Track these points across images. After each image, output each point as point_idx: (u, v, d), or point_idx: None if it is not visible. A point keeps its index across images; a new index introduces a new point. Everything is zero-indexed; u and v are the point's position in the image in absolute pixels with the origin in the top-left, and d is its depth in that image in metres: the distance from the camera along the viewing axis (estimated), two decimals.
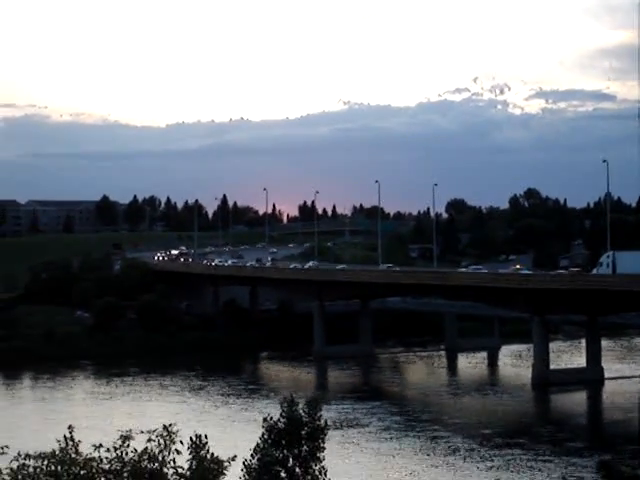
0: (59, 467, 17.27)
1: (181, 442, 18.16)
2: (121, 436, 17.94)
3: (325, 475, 24.54)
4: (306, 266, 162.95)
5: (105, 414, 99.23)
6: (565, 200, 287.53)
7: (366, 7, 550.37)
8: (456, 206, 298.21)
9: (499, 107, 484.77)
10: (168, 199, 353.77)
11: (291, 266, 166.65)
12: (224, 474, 18.69)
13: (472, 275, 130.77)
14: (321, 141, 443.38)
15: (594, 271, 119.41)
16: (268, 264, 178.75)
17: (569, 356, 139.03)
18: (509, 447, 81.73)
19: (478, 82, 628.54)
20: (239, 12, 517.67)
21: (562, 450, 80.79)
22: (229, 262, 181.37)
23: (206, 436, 19.09)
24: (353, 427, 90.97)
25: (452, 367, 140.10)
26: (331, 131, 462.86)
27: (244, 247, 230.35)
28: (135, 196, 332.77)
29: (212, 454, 18.78)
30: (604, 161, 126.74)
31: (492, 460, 77.01)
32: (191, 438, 18.90)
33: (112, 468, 17.69)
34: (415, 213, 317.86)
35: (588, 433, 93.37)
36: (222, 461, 18.63)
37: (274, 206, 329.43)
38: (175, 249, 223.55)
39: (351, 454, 79.94)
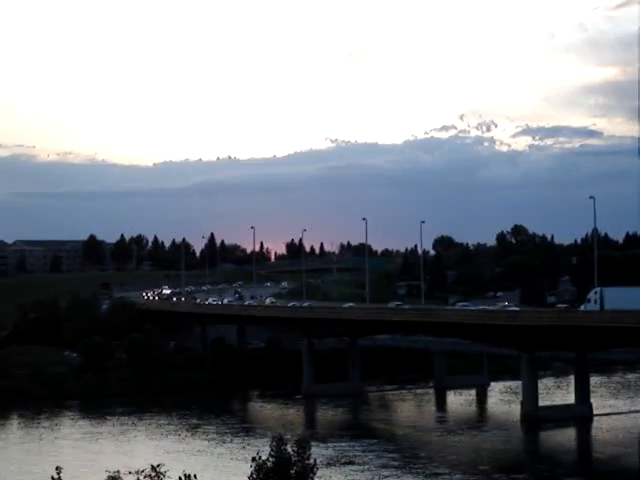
0: None
1: None
2: (109, 477, 17.83)
3: None
4: (304, 304, 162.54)
5: (93, 454, 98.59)
6: (552, 236, 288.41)
7: (353, 46, 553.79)
8: (443, 243, 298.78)
9: (486, 144, 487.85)
10: (155, 238, 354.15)
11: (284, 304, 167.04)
12: None
13: (459, 312, 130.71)
14: (308, 179, 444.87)
15: (582, 307, 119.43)
16: (250, 302, 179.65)
17: (558, 393, 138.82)
18: None
19: (465, 119, 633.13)
20: (226, 52, 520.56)
21: None
22: (225, 301, 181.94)
23: (195, 476, 18.97)
24: (350, 465, 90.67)
25: (441, 405, 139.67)
26: (318, 169, 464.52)
27: (221, 286, 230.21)
28: (122, 235, 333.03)
29: None
30: (591, 197, 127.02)
31: None
32: (180, 478, 18.77)
33: None
34: (402, 250, 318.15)
35: (579, 469, 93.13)
36: None
37: (262, 244, 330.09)
38: (166, 288, 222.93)
39: None
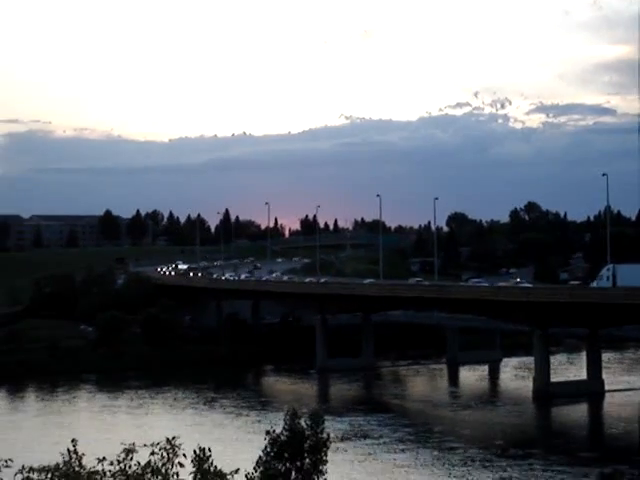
0: None
1: (184, 455, 18.26)
2: (124, 449, 17.99)
3: None
4: (319, 280, 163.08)
5: (108, 427, 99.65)
6: (565, 213, 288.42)
7: (368, 23, 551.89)
8: (457, 220, 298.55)
9: (500, 121, 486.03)
10: (170, 213, 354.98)
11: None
12: None
13: (473, 289, 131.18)
14: (323, 155, 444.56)
15: (594, 284, 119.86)
16: (269, 277, 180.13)
17: (570, 369, 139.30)
18: (522, 458, 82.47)
19: (479, 97, 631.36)
20: (242, 28, 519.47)
21: (569, 460, 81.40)
22: (243, 276, 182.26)
23: (209, 449, 19.35)
24: (364, 439, 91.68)
25: (454, 380, 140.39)
26: (333, 145, 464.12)
27: (235, 261, 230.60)
28: (138, 211, 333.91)
29: (215, 467, 18.95)
30: (604, 174, 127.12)
31: (507, 470, 77.91)
32: (195, 451, 19.13)
33: None
34: (416, 227, 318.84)
35: (590, 445, 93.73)
36: (225, 474, 18.76)
37: (276, 220, 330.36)
38: (181, 263, 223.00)
39: (369, 465, 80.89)
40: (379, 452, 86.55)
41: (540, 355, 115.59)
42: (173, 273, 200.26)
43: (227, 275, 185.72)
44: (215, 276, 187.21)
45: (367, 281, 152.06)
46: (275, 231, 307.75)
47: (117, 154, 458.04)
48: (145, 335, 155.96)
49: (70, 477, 17.47)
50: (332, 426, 74.00)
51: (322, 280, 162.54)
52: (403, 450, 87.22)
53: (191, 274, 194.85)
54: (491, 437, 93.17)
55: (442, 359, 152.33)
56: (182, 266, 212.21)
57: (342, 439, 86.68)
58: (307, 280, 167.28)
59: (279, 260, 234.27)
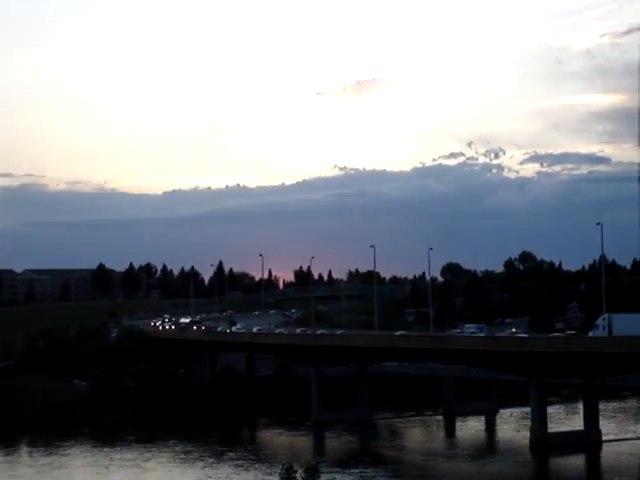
0: None
1: None
2: None
3: None
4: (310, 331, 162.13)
5: None
6: (560, 263, 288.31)
7: (361, 74, 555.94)
8: (451, 270, 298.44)
9: (494, 171, 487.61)
10: (164, 266, 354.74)
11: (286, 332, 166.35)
12: None
13: (468, 339, 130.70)
14: (317, 206, 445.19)
15: (590, 334, 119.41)
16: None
17: (567, 419, 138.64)
18: None
19: (473, 147, 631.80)
20: (235, 79, 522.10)
21: None
22: (255, 329, 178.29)
23: None
24: None
25: (450, 431, 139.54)
26: (326, 196, 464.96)
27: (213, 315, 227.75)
28: (131, 264, 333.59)
29: None
30: (598, 224, 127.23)
31: None
32: None
33: None
34: (411, 277, 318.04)
35: None
36: None
37: (270, 272, 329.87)
38: (172, 318, 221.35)
39: None
40: None
41: (537, 405, 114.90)
42: (173, 327, 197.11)
43: (238, 326, 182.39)
44: (220, 329, 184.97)
45: (398, 333, 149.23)
46: (269, 283, 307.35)
47: (110, 207, 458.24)
48: (138, 389, 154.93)
49: None
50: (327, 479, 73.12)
51: (317, 332, 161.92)
52: None
53: (194, 327, 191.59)
54: None
55: (438, 410, 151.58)
56: (184, 320, 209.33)
57: None
58: (298, 330, 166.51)
59: (256, 313, 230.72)
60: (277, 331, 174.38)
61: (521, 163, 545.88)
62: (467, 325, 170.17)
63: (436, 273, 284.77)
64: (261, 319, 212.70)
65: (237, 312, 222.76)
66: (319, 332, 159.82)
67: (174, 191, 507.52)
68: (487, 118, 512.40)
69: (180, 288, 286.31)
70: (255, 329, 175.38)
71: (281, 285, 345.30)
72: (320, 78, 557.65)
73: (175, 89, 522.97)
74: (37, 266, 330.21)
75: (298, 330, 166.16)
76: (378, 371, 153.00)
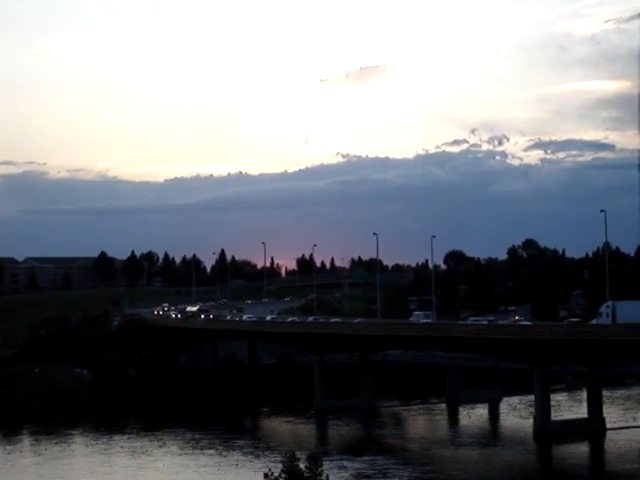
0: None
1: None
2: None
3: None
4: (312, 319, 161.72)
5: (104, 471, 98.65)
6: (563, 250, 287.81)
7: (364, 60, 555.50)
8: (454, 257, 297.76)
9: (498, 158, 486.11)
10: (166, 254, 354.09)
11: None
12: None
13: (472, 327, 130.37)
14: (319, 194, 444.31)
15: (594, 321, 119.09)
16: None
17: (571, 407, 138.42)
18: None
19: (476, 133, 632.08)
20: (238, 66, 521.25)
21: None
22: (268, 317, 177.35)
23: None
24: None
25: (454, 420, 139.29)
26: (329, 184, 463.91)
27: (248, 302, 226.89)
28: (133, 252, 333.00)
29: None
30: (602, 211, 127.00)
31: None
32: None
33: None
34: (414, 265, 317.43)
35: None
36: None
37: (272, 260, 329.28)
38: (190, 305, 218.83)
39: None
40: None
41: (540, 393, 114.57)
42: (179, 315, 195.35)
43: (245, 316, 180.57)
44: (229, 317, 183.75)
45: (421, 317, 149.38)
46: (272, 271, 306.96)
47: (112, 195, 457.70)
48: (140, 378, 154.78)
49: None
50: (330, 467, 72.83)
51: (318, 319, 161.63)
52: None
53: (202, 316, 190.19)
54: (491, 478, 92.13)
55: (442, 398, 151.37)
56: (191, 308, 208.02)
57: None
58: (298, 319, 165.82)
59: (265, 300, 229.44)
60: (269, 318, 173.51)
61: (525, 150, 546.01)
62: (416, 313, 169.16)
63: (439, 261, 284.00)
64: (262, 307, 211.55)
65: (233, 300, 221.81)
66: (332, 320, 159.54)
67: (176, 179, 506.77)
68: (491, 105, 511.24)
69: (182, 276, 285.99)
70: (268, 317, 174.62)
71: (283, 273, 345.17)
72: (323, 65, 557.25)
73: (178, 77, 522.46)
74: (38, 254, 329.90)
75: (310, 318, 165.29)
76: (381, 359, 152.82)
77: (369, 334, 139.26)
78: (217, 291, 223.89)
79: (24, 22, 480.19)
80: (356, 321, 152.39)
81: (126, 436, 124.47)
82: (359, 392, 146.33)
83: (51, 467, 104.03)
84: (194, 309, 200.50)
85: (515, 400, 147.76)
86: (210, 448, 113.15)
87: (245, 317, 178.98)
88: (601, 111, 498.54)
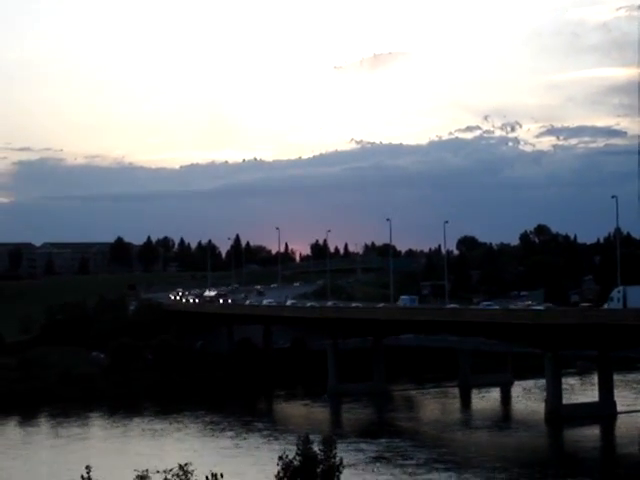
0: None
1: None
2: (137, 476, 18.31)
3: None
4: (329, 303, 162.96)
5: (122, 453, 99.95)
6: (575, 236, 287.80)
7: (378, 47, 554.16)
8: (467, 243, 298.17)
9: (510, 144, 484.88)
10: (182, 240, 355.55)
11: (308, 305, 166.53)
12: None
13: (484, 312, 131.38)
14: (333, 180, 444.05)
15: (605, 306, 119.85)
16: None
17: (582, 391, 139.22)
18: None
19: (489, 120, 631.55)
20: (252, 53, 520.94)
21: None
22: (288, 302, 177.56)
23: (222, 475, 19.61)
24: (377, 463, 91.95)
25: (466, 403, 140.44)
26: (343, 170, 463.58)
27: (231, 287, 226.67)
28: (149, 237, 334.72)
29: None
30: (613, 197, 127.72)
31: None
32: (207, 477, 19.38)
33: None
34: (426, 250, 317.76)
35: (603, 468, 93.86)
36: None
37: (286, 245, 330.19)
38: (195, 290, 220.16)
39: None
40: (398, 476, 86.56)
41: (552, 377, 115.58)
42: (197, 300, 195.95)
43: (265, 301, 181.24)
44: (248, 302, 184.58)
45: (406, 301, 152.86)
46: (286, 256, 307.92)
47: (128, 181, 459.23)
48: (157, 362, 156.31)
49: None
50: (344, 451, 74.12)
51: (329, 303, 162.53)
52: (414, 474, 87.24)
53: (220, 301, 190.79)
54: (503, 460, 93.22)
55: (454, 382, 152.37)
56: (210, 293, 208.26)
57: (354, 464, 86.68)
58: (309, 305, 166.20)
59: (274, 285, 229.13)
60: (289, 303, 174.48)
61: (537, 136, 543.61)
62: (402, 297, 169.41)
63: (452, 246, 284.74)
64: (277, 292, 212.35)
65: (245, 286, 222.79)
66: (353, 305, 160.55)
67: (191, 165, 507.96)
68: (503, 91, 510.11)
69: (197, 261, 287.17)
70: (289, 302, 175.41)
71: (297, 258, 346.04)
72: (337, 52, 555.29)
73: (194, 64, 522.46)
74: (56, 240, 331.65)
75: (329, 303, 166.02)
76: (394, 343, 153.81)
77: (383, 319, 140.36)
78: (232, 276, 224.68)
79: (39, 3, 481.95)
80: (380, 306, 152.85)
81: (146, 419, 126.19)
82: (372, 376, 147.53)
83: (67, 449, 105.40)
84: (212, 294, 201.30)
85: (527, 384, 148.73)
86: (230, 430, 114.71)
87: (265, 302, 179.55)
88: (613, 98, 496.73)
